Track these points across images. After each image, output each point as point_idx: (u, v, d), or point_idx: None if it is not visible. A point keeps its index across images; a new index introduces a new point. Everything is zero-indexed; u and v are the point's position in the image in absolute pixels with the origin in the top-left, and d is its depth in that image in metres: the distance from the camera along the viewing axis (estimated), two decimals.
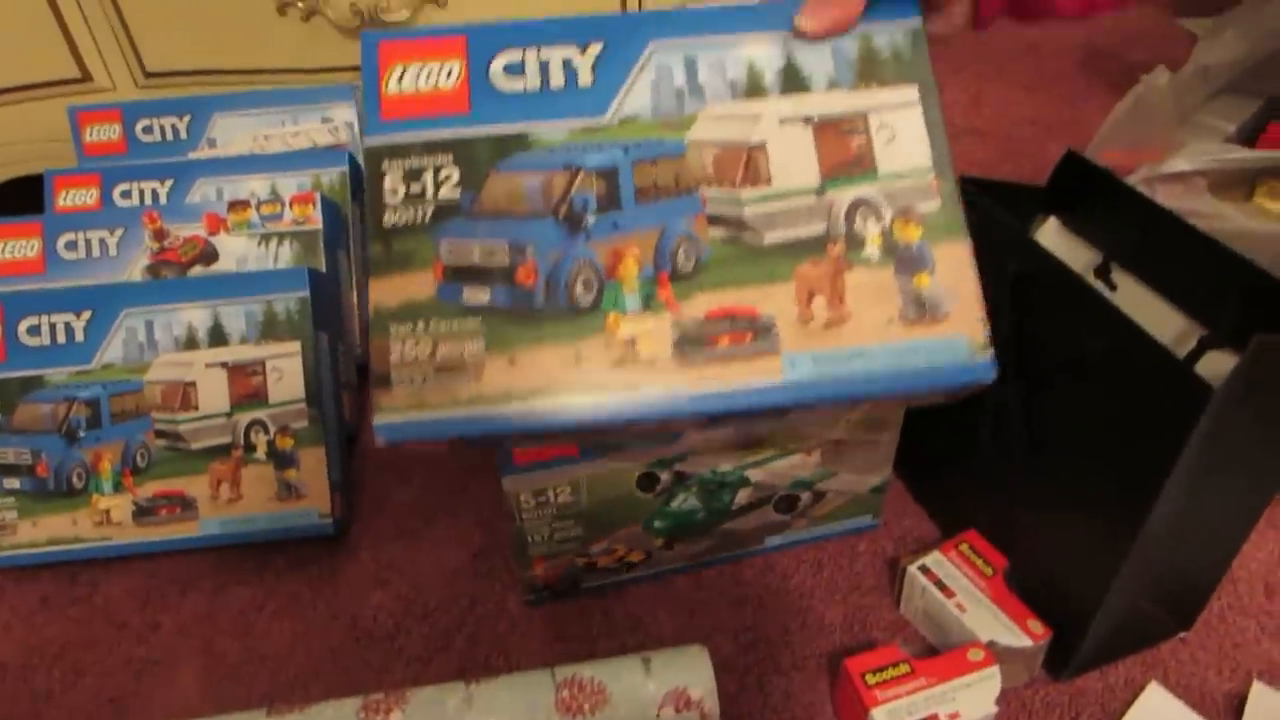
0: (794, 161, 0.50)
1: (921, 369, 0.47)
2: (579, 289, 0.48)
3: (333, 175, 0.94)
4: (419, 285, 0.47)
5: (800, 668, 0.71)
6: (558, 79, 0.50)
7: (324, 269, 0.85)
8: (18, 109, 1.07)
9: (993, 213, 0.65)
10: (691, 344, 0.47)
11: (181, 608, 0.77)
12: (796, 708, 0.68)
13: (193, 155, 0.99)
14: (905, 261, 0.49)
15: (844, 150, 0.51)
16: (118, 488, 0.77)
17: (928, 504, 0.81)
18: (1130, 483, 0.57)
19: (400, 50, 0.50)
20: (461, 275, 0.48)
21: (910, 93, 0.52)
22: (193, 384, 0.77)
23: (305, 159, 0.95)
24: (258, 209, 0.86)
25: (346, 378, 0.88)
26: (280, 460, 0.77)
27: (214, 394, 0.77)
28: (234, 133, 1.00)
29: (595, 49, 0.51)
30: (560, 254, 0.48)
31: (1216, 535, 0.65)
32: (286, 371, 0.77)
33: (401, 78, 0.49)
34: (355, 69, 1.05)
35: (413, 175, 0.48)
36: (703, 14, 0.52)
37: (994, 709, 0.62)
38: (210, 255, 0.86)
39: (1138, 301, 0.66)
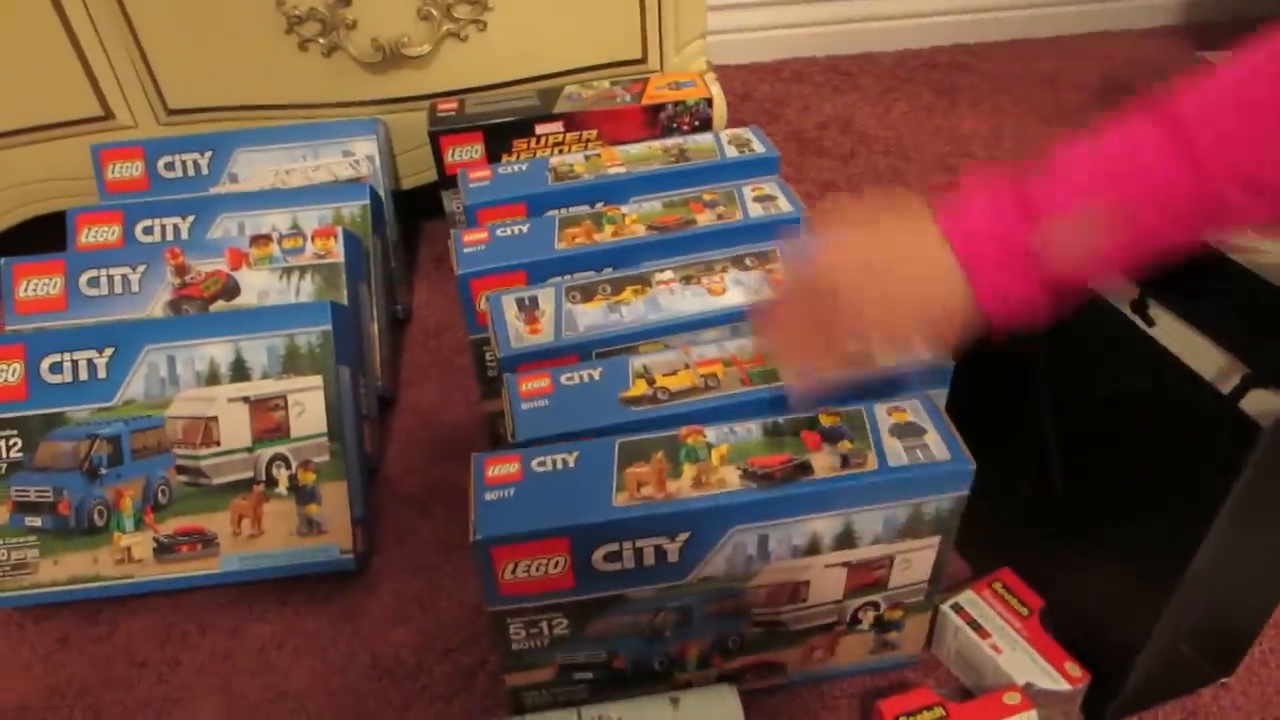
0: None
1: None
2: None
3: (354, 208, 0.94)
4: None
5: (831, 708, 0.69)
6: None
7: (346, 302, 0.85)
8: (41, 148, 1.07)
9: None
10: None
11: (201, 646, 0.76)
12: None
13: (214, 190, 1.00)
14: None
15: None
16: (139, 525, 0.76)
17: (959, 539, 0.79)
18: (1174, 524, 0.56)
19: None
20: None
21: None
22: (214, 419, 0.76)
23: (326, 193, 0.95)
24: (279, 243, 0.86)
25: (367, 410, 0.87)
26: (302, 495, 0.77)
27: (235, 429, 0.76)
28: (255, 168, 1.00)
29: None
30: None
31: (1261, 578, 0.64)
32: (308, 406, 0.77)
33: None
34: (376, 103, 1.06)
35: None
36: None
37: None
38: (232, 290, 0.85)
39: (1176, 337, 0.65)
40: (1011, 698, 0.63)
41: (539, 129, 0.98)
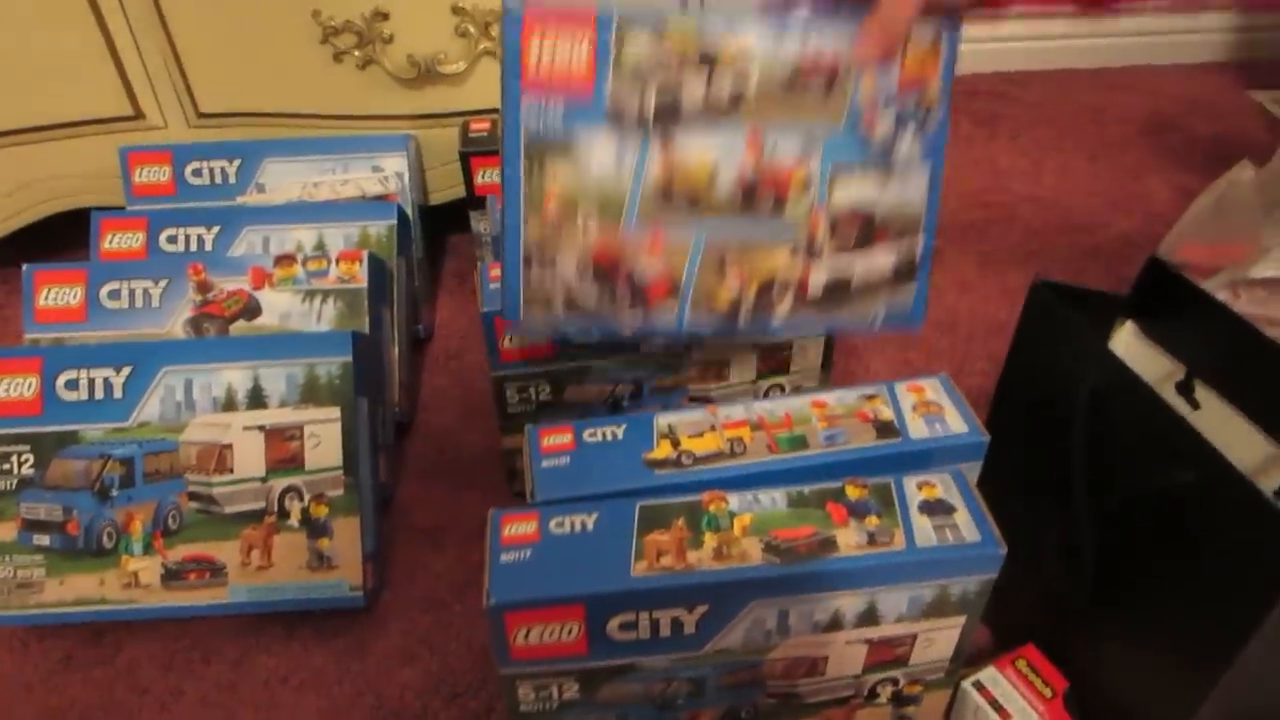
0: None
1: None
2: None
3: (380, 228, 0.93)
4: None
5: None
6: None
7: (367, 329, 0.83)
8: (70, 144, 1.07)
9: (1071, 321, 0.62)
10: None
11: (205, 675, 0.75)
12: None
13: (241, 200, 0.98)
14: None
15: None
16: (148, 549, 0.75)
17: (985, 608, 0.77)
18: (1216, 625, 0.53)
19: None
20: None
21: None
22: (229, 446, 0.75)
23: (353, 211, 0.93)
24: (304, 264, 0.84)
25: (384, 439, 0.86)
26: (314, 528, 0.75)
27: (250, 458, 0.75)
28: (283, 178, 0.99)
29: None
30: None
31: None
32: (325, 438, 0.76)
33: None
34: (409, 118, 1.04)
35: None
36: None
37: None
38: (254, 310, 0.84)
39: (1222, 422, 0.62)
40: None
41: None
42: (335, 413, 0.75)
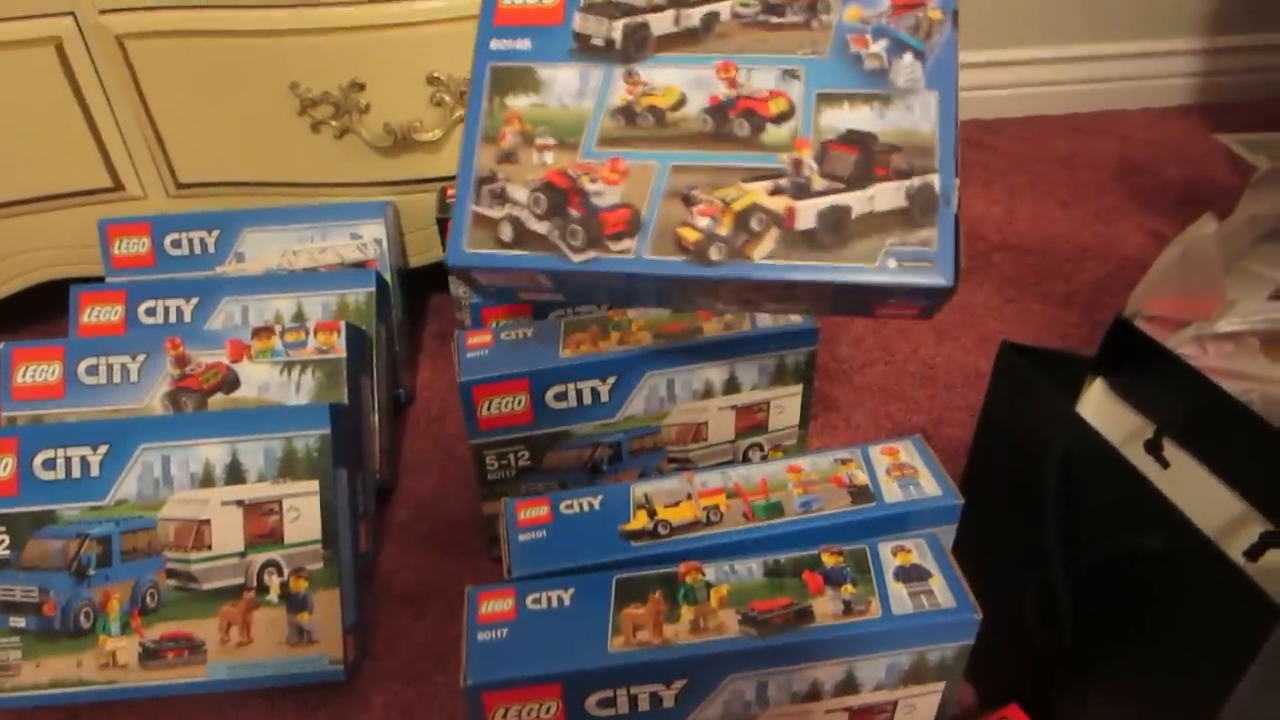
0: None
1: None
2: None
3: (359, 295, 0.94)
4: None
5: None
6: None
7: (346, 400, 0.83)
8: (50, 216, 1.07)
9: (1039, 385, 0.62)
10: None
11: None
12: None
13: (220, 270, 0.99)
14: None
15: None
16: (125, 629, 0.74)
17: (968, 667, 0.77)
18: (1190, 688, 0.53)
19: None
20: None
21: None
22: (207, 522, 0.75)
23: (332, 280, 0.94)
24: (282, 336, 0.85)
25: (365, 507, 0.86)
26: (293, 603, 0.75)
27: (228, 533, 0.75)
28: (262, 247, 1.00)
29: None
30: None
31: None
32: (304, 511, 0.75)
33: None
34: (387, 184, 1.05)
35: None
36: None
37: None
38: (232, 382, 0.84)
39: (1192, 480, 0.63)
40: None
41: None
42: (314, 485, 0.75)
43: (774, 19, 0.59)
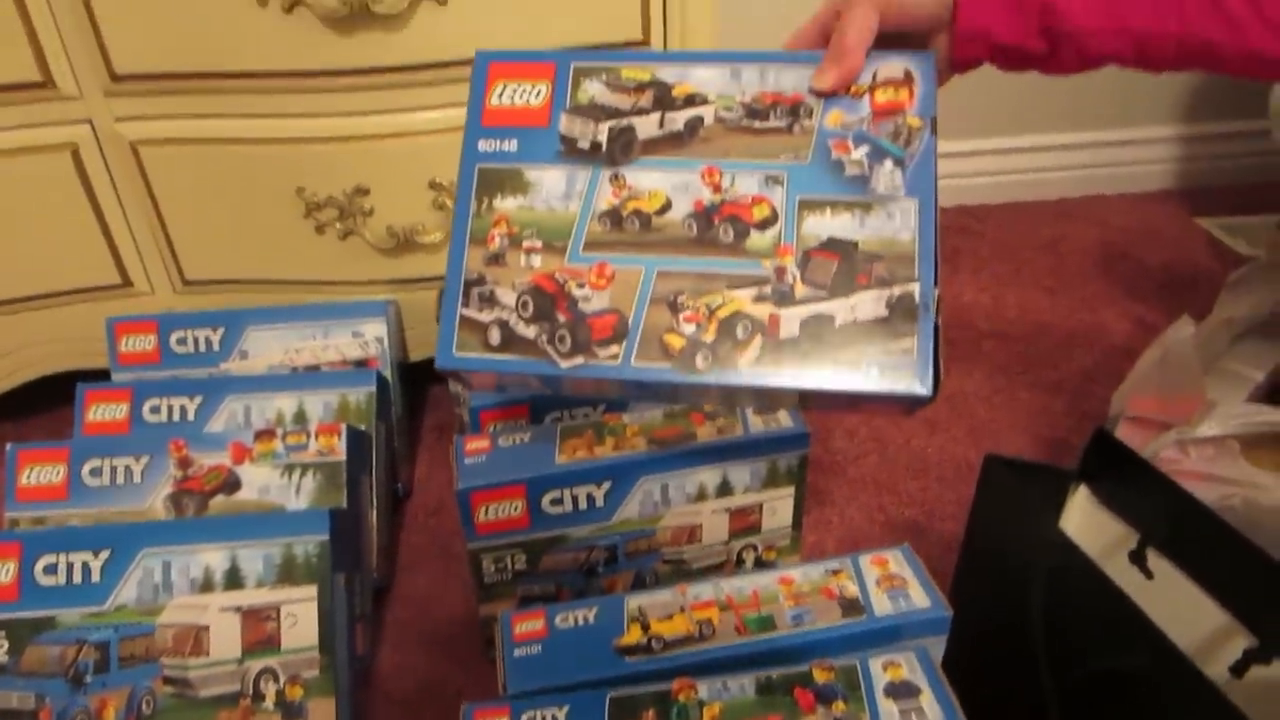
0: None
1: None
2: None
3: (360, 395, 0.95)
4: None
5: None
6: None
7: (345, 503, 0.85)
8: (59, 311, 1.10)
9: (1023, 502, 0.64)
10: None
11: None
12: None
13: (224, 367, 1.01)
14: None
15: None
16: None
17: None
18: None
19: None
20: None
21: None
22: (205, 628, 0.76)
23: (333, 379, 0.96)
24: (283, 439, 0.86)
25: (362, 608, 0.87)
26: (288, 711, 0.75)
27: (226, 639, 0.75)
28: (265, 345, 1.02)
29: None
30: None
31: None
32: (301, 617, 0.76)
33: None
34: (388, 283, 1.08)
35: None
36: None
37: None
38: (233, 484, 0.86)
39: (1176, 591, 0.64)
40: None
41: None
42: (312, 591, 0.76)
43: (757, 123, 0.61)
